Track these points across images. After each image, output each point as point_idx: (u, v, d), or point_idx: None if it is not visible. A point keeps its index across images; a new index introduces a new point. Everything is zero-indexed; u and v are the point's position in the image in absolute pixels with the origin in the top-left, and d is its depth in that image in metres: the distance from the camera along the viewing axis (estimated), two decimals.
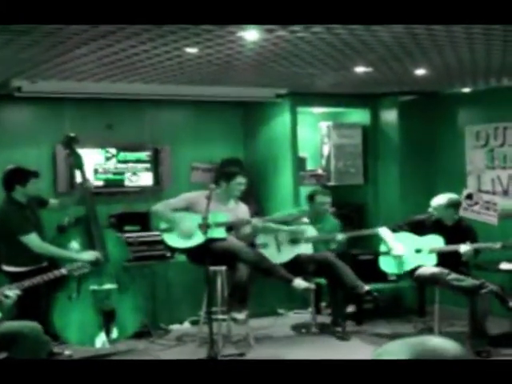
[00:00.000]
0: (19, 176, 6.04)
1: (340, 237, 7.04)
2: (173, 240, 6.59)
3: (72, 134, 6.45)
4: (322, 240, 7.13)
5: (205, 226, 6.04)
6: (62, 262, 5.98)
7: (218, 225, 6.42)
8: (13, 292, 4.85)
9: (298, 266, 6.88)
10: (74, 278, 5.89)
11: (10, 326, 4.85)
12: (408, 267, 6.63)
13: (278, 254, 6.94)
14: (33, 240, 5.96)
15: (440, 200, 6.64)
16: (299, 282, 6.57)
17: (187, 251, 6.62)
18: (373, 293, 6.73)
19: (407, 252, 6.61)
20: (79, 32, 4.45)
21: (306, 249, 7.02)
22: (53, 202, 6.47)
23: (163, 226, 6.62)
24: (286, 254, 6.97)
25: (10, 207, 6.03)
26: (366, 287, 6.69)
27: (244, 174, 6.82)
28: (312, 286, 6.75)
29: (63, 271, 5.40)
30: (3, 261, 6.04)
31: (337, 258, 6.92)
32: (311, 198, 7.31)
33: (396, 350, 1.58)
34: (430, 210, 6.67)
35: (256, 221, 6.65)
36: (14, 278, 5.79)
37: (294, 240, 7.02)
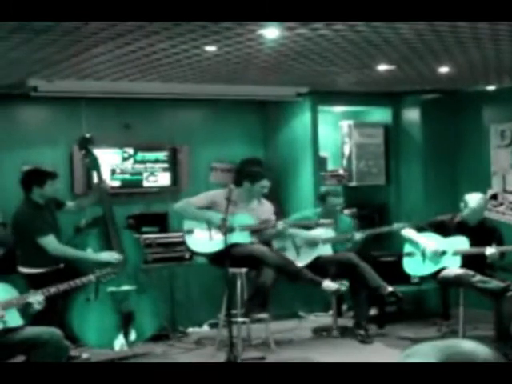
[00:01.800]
0: (36, 177, 6.02)
1: (358, 236, 6.94)
2: (195, 243, 6.50)
3: (87, 135, 6.43)
4: (340, 240, 7.03)
5: (225, 228, 5.96)
6: (79, 264, 5.96)
7: (242, 229, 6.34)
8: (37, 299, 4.77)
9: (318, 267, 6.77)
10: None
11: (32, 331, 4.79)
12: (432, 269, 6.50)
13: (298, 257, 6.85)
14: (50, 242, 5.93)
15: (479, 199, 6.48)
16: (328, 284, 6.50)
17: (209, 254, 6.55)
18: (397, 293, 6.63)
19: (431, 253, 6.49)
20: (97, 31, 4.42)
21: (324, 250, 6.92)
22: (70, 204, 6.45)
23: (186, 226, 6.53)
24: (306, 257, 6.88)
25: (27, 208, 6.02)
26: (390, 288, 6.60)
27: (269, 178, 6.71)
28: (342, 287, 6.61)
29: (92, 278, 5.33)
30: (19, 262, 6.03)
31: (360, 259, 6.81)
32: (322, 198, 7.18)
33: (425, 352, 1.53)
34: (469, 209, 6.47)
35: (281, 225, 6.54)
36: (30, 279, 5.81)
37: (312, 243, 6.91)
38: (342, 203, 7.20)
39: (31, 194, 5.99)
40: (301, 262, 6.78)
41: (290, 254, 6.84)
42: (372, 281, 6.66)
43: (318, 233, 6.93)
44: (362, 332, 6.80)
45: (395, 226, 6.92)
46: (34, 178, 6.01)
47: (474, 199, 6.49)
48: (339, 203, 7.13)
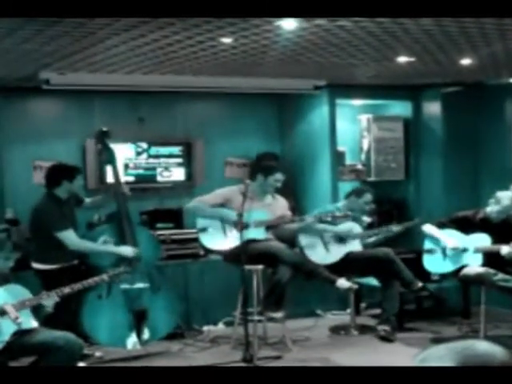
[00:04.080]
0: (67, 172, 6.04)
1: (395, 229, 6.93)
2: (209, 241, 6.41)
3: (104, 128, 6.44)
4: (382, 234, 6.98)
5: (241, 224, 5.86)
6: (94, 260, 5.87)
7: (257, 224, 6.24)
8: (50, 302, 4.67)
9: (349, 263, 6.70)
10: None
11: (47, 335, 4.71)
12: (453, 267, 6.38)
13: (327, 254, 6.74)
14: (70, 236, 5.92)
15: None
16: (342, 282, 6.48)
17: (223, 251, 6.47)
18: (429, 288, 6.69)
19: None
20: (110, 22, 4.39)
21: (354, 246, 6.81)
22: (87, 200, 6.46)
23: (200, 224, 6.43)
24: (336, 254, 6.76)
25: (49, 203, 5.99)
26: (421, 283, 6.63)
27: (282, 171, 6.61)
28: (355, 286, 6.57)
29: (105, 277, 5.24)
30: (33, 258, 6.00)
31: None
32: (358, 193, 7.03)
33: (441, 355, 1.49)
34: (502, 207, 6.32)
35: (299, 220, 6.45)
36: (44, 275, 5.83)
37: (341, 238, 6.79)
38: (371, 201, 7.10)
39: (58, 188, 5.97)
40: (331, 259, 6.70)
41: (319, 251, 6.73)
42: (407, 276, 6.66)
43: (349, 227, 6.81)
44: (387, 328, 6.68)
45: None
46: (65, 172, 6.02)
47: (507, 197, 6.36)
48: (370, 201, 7.05)
